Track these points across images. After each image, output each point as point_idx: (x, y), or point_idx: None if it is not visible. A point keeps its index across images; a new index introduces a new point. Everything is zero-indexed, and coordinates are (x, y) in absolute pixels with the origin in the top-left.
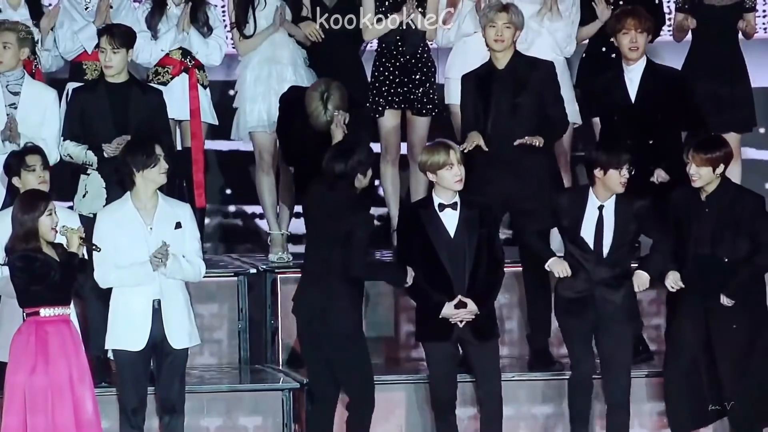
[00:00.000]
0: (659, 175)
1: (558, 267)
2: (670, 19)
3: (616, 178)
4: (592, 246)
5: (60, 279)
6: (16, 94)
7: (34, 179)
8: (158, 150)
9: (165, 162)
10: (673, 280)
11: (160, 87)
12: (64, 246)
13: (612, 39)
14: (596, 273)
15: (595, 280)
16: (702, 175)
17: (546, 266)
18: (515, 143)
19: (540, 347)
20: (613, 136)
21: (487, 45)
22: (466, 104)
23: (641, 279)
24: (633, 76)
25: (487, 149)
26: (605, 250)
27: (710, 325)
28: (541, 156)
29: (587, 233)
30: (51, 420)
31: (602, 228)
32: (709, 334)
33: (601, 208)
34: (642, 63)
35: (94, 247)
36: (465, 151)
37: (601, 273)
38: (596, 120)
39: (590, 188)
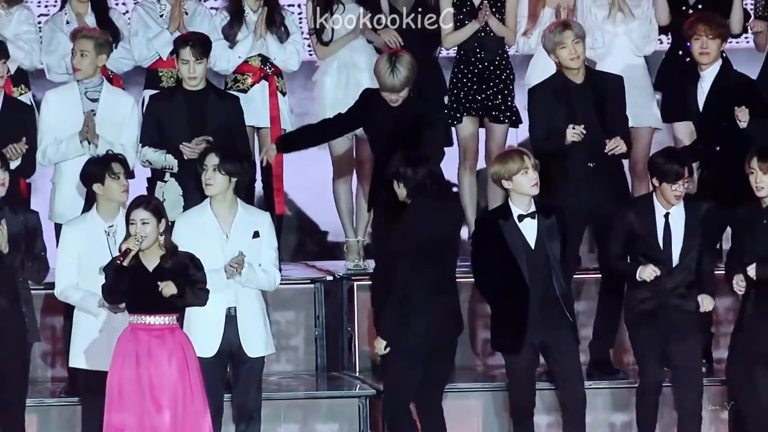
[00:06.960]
0: None
1: (647, 273)
2: (748, 27)
3: (670, 192)
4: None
5: (126, 288)
6: (95, 100)
7: (118, 187)
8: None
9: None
10: (738, 282)
11: (239, 94)
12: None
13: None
14: (668, 283)
15: (668, 289)
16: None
17: (638, 278)
18: (606, 150)
19: (602, 357)
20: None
21: (563, 66)
22: (539, 114)
23: (705, 301)
24: (705, 85)
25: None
26: (675, 258)
27: None
28: (617, 167)
29: (657, 242)
30: (140, 422)
31: (670, 235)
32: None
33: (666, 215)
34: (715, 69)
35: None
36: (574, 140)
37: (673, 282)
38: (677, 124)
39: (654, 196)
